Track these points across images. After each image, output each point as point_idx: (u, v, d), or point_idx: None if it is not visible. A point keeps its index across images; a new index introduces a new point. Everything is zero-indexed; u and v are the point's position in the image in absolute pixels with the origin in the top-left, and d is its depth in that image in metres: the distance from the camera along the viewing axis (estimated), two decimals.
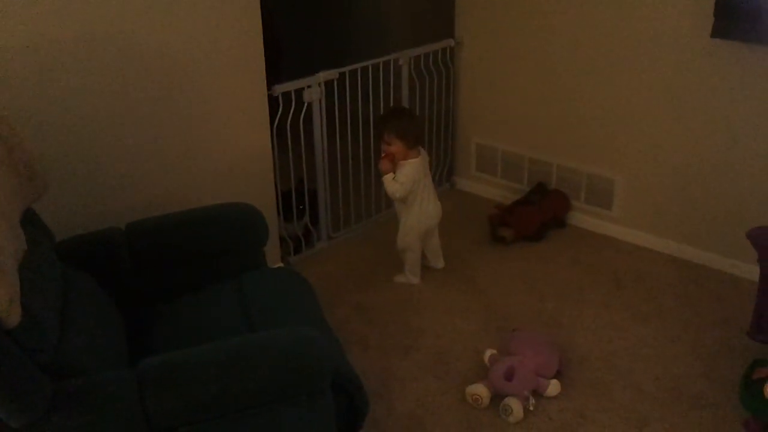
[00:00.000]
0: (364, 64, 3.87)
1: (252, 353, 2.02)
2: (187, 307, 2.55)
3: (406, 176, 3.39)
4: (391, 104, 4.14)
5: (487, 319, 3.38)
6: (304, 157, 3.76)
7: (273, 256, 3.68)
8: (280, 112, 3.54)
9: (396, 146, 3.36)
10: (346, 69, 3.79)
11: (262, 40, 3.26)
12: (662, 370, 3.02)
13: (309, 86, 3.63)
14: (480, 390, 2.80)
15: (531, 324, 3.33)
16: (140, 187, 3.00)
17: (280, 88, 3.49)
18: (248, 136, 3.37)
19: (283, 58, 5.08)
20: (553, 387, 2.84)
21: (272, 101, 3.49)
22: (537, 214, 4.02)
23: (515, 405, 2.72)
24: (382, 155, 3.40)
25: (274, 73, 3.62)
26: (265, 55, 3.31)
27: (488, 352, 2.99)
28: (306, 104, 3.67)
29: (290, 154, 3.67)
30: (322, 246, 4.01)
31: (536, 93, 4.15)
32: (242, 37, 3.17)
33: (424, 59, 4.24)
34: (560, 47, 3.96)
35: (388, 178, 3.38)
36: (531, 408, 2.77)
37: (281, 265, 3.75)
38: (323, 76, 3.67)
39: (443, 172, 4.65)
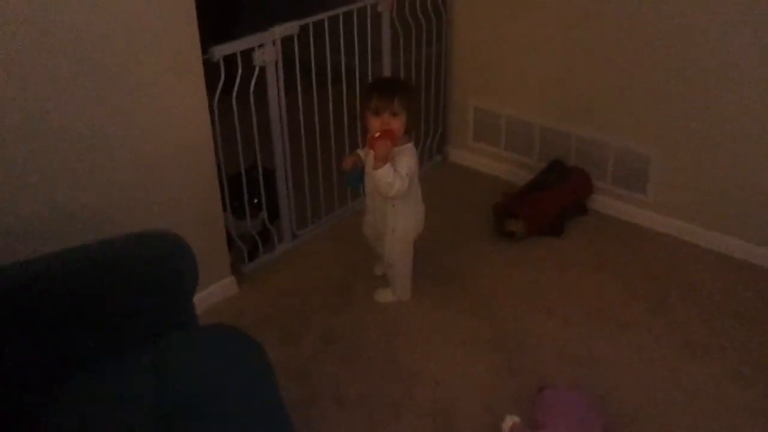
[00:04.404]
0: (333, 12, 2.97)
1: None
2: (75, 398, 1.72)
3: (408, 166, 2.54)
4: (369, 61, 3.25)
5: (500, 355, 2.59)
6: (256, 136, 2.89)
7: (220, 266, 2.86)
8: (222, 82, 2.66)
9: (400, 121, 2.50)
10: (309, 20, 2.89)
11: None
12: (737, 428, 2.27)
13: (261, 45, 2.74)
14: None
15: (556, 360, 2.55)
16: (17, 200, 2.14)
17: (220, 51, 2.60)
18: (179, 114, 2.52)
19: (233, 10, 4.16)
20: None
21: (212, 67, 2.62)
22: (554, 201, 3.20)
23: None
24: (376, 134, 2.48)
25: (220, 30, 2.73)
26: (201, 8, 2.43)
27: (508, 420, 2.21)
28: (257, 68, 2.78)
29: (237, 133, 2.80)
30: (284, 247, 3.17)
31: (551, 45, 3.28)
32: None
33: (409, 3, 3.34)
34: None
35: (385, 170, 2.48)
36: None
37: (231, 278, 2.92)
38: (279, 31, 2.77)
39: (433, 142, 3.79)
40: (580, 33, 3.16)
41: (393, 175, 2.48)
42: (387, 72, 3.38)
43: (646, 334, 2.67)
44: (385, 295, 2.88)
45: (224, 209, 2.92)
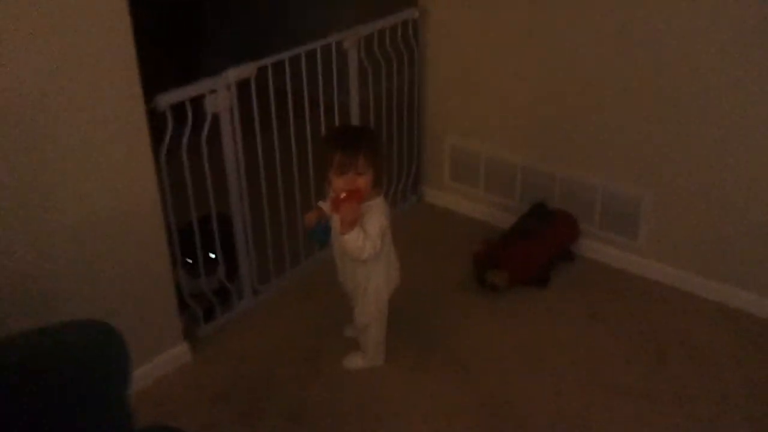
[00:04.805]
0: (294, 52, 2.70)
1: None
2: None
3: (380, 224, 2.26)
4: (336, 102, 2.99)
5: (487, 429, 2.32)
6: (210, 186, 2.61)
7: (171, 332, 2.58)
8: (170, 132, 2.38)
9: (366, 179, 2.22)
10: (268, 61, 2.62)
11: (131, 34, 2.10)
12: None
13: (213, 91, 2.46)
14: None
15: None
16: None
17: (166, 99, 2.32)
18: (120, 170, 2.24)
19: (180, 53, 3.88)
20: None
21: (158, 118, 2.34)
22: (540, 250, 2.95)
23: None
24: (341, 196, 2.19)
25: (166, 78, 2.46)
26: (144, 54, 2.16)
27: None
28: (210, 116, 2.50)
29: (188, 185, 2.52)
30: (245, 306, 2.88)
31: (532, 79, 3.03)
32: (102, 32, 2.02)
33: (378, 38, 3.08)
34: (565, 16, 2.84)
35: (354, 235, 2.20)
36: None
37: (184, 345, 2.63)
38: (233, 74, 2.50)
39: (407, 181, 3.53)
40: (565, 66, 2.92)
41: (362, 239, 2.20)
42: (355, 110, 3.11)
43: (644, 402, 2.41)
44: (355, 362, 2.61)
45: (176, 266, 2.64)
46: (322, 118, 2.93)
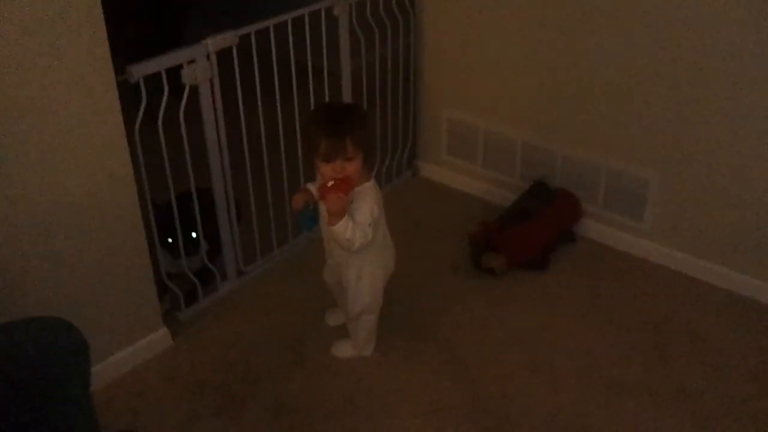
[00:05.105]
0: (281, 18, 2.52)
1: None
2: None
3: (371, 212, 2.09)
4: (326, 73, 2.81)
5: (479, 427, 2.20)
6: (189, 161, 2.45)
7: (149, 316, 2.46)
8: (144, 104, 2.21)
9: (356, 164, 2.05)
10: (251, 29, 2.44)
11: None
12: None
13: (191, 61, 2.29)
14: None
15: None
16: None
17: (140, 70, 2.15)
18: (90, 145, 2.08)
19: (162, 21, 3.68)
20: None
21: (132, 90, 2.18)
22: (539, 233, 2.79)
23: None
24: (327, 184, 2.04)
25: (147, 48, 2.29)
26: (121, 23, 2.01)
27: None
28: (187, 88, 2.33)
29: (166, 162, 2.37)
30: (229, 287, 2.75)
31: (536, 50, 2.85)
32: None
33: (371, 4, 2.89)
34: None
35: (342, 226, 2.04)
36: None
37: (164, 330, 2.50)
38: (213, 43, 2.32)
39: (402, 155, 3.37)
40: (570, 37, 2.73)
41: (351, 229, 2.05)
42: (347, 81, 2.93)
43: (646, 398, 2.29)
44: (344, 349, 2.47)
45: (154, 246, 2.49)
46: (311, 90, 2.75)
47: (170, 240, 2.59)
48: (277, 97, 2.63)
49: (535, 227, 2.79)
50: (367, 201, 2.08)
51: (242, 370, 2.42)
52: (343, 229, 2.03)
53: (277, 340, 2.53)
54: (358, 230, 2.04)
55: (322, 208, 2.12)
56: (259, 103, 2.57)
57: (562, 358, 2.43)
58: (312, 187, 2.25)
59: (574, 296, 2.70)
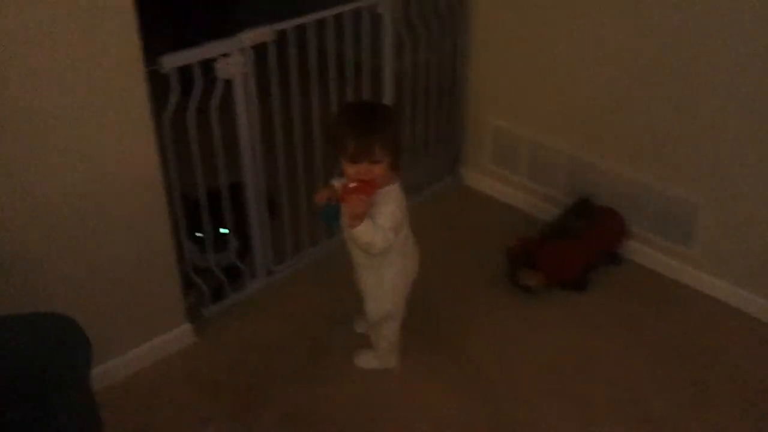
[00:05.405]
0: (321, 15, 2.44)
1: None
2: None
3: (393, 216, 2.00)
4: (369, 74, 2.73)
5: None
6: (222, 155, 2.40)
7: (173, 311, 2.42)
8: (176, 97, 2.16)
9: (382, 167, 1.96)
10: (290, 24, 2.37)
11: None
12: None
13: (226, 55, 2.23)
14: None
15: None
16: None
17: (171, 61, 2.10)
18: (117, 135, 2.04)
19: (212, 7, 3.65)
20: None
21: (162, 80, 2.13)
22: (580, 252, 2.66)
23: None
24: (350, 185, 1.97)
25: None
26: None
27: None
28: (221, 82, 2.27)
29: (194, 155, 2.32)
30: (257, 286, 2.69)
31: (590, 61, 2.72)
32: None
33: (417, 3, 2.79)
34: None
35: (363, 229, 1.96)
36: None
37: (186, 326, 2.46)
38: (250, 37, 2.26)
39: (444, 160, 3.26)
40: (626, 50, 2.59)
41: (372, 232, 1.96)
42: (388, 81, 2.84)
43: None
44: (366, 360, 2.39)
45: (183, 240, 2.45)
46: (351, 88, 2.67)
47: (199, 234, 2.54)
48: (315, 93, 2.56)
49: (576, 246, 2.66)
50: (390, 204, 2.00)
51: (261, 374, 2.36)
52: (364, 232, 1.95)
53: (300, 345, 2.46)
54: (379, 233, 1.96)
55: (344, 209, 2.05)
56: (295, 99, 2.50)
57: (594, 387, 2.31)
58: (337, 183, 2.16)
59: (613, 321, 2.57)
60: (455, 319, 2.56)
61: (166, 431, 2.16)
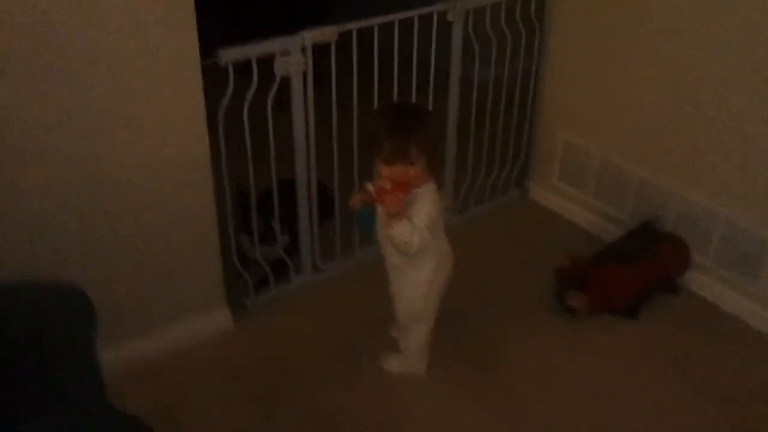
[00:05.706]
0: (387, 18, 2.45)
1: None
2: None
3: (429, 215, 1.99)
4: (432, 84, 2.71)
5: None
6: (272, 152, 2.45)
7: (213, 294, 2.47)
8: (231, 90, 2.22)
9: (417, 169, 1.96)
10: (353, 26, 2.38)
11: None
12: None
13: (285, 53, 2.27)
14: None
15: None
16: None
17: (229, 54, 2.15)
18: (169, 124, 2.13)
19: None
20: None
21: (219, 73, 2.19)
22: (634, 279, 2.57)
23: None
24: (386, 186, 1.97)
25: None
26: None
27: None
28: (279, 79, 2.32)
29: (248, 152, 2.37)
30: (302, 282, 2.73)
31: (667, 82, 2.62)
32: None
33: (492, 12, 2.76)
34: (721, 14, 2.40)
35: (401, 229, 1.96)
36: None
37: (225, 311, 2.52)
38: (311, 36, 2.29)
39: (511, 173, 3.21)
40: (710, 75, 2.47)
41: (411, 231, 1.96)
42: (454, 90, 2.81)
43: None
44: (394, 363, 2.39)
45: (231, 232, 2.51)
46: (413, 95, 2.67)
47: (250, 228, 2.61)
48: (375, 96, 2.57)
49: (631, 271, 2.56)
50: (426, 203, 1.99)
51: (291, 369, 2.39)
52: (402, 231, 1.95)
53: (334, 345, 2.48)
54: (416, 232, 1.95)
55: (380, 210, 2.05)
56: (355, 100, 2.52)
57: (632, 422, 2.22)
58: (371, 187, 2.16)
59: (661, 354, 2.47)
60: (493, 333, 2.52)
61: (188, 414, 2.22)
